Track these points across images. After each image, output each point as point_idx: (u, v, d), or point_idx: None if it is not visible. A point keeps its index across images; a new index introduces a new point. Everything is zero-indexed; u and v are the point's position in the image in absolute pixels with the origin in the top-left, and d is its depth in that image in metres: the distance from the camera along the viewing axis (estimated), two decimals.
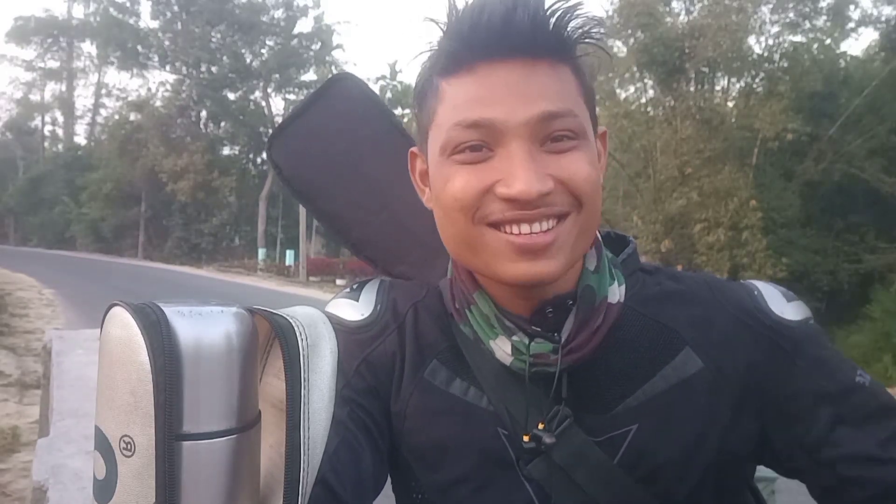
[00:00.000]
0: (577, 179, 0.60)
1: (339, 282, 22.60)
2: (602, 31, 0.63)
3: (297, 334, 0.44)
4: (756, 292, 0.70)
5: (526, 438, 0.64)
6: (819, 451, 0.65)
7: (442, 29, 0.63)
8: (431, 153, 0.65)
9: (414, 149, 0.71)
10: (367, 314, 0.72)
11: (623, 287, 0.68)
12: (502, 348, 0.65)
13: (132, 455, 0.38)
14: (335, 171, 0.81)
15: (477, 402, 0.67)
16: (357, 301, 0.73)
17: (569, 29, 0.61)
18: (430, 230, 0.78)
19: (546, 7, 0.59)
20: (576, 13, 0.60)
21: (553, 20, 0.59)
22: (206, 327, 0.40)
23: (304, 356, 0.44)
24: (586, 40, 0.62)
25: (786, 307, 0.69)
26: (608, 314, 0.66)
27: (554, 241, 0.60)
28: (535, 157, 0.59)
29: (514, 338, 0.65)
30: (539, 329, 0.65)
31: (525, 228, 0.60)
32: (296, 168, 0.82)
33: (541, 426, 0.64)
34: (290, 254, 26.99)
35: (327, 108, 0.82)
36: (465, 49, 0.60)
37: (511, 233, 0.60)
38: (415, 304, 0.73)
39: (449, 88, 0.62)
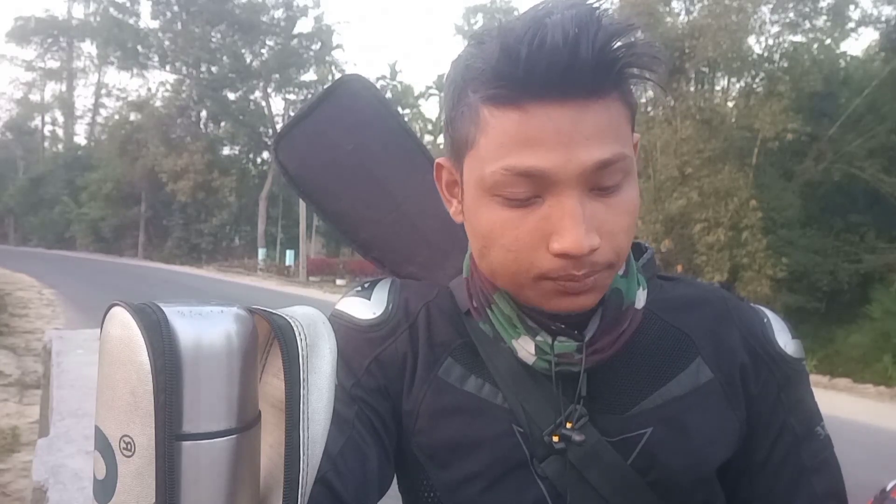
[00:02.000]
0: (619, 235, 0.59)
1: (339, 282, 22.60)
2: (660, 61, 0.57)
3: (297, 334, 0.44)
4: (766, 320, 0.72)
5: (555, 439, 0.64)
6: (765, 485, 0.69)
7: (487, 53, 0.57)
8: (468, 180, 0.62)
9: (440, 160, 0.68)
10: (378, 313, 0.71)
11: (646, 292, 0.69)
12: (525, 348, 0.65)
13: (132, 455, 0.38)
14: (344, 171, 0.79)
15: (492, 398, 0.67)
16: (369, 300, 0.73)
17: (629, 67, 0.56)
18: (440, 232, 0.78)
19: (609, 42, 0.54)
20: (635, 49, 0.55)
21: (615, 56, 0.55)
22: (206, 327, 0.40)
23: (303, 356, 0.44)
24: (646, 77, 0.58)
25: (789, 342, 0.71)
26: (634, 318, 0.66)
27: (594, 284, 0.61)
28: (584, 205, 0.57)
29: (538, 338, 0.64)
30: (562, 326, 0.64)
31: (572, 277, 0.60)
32: (302, 168, 0.80)
33: (569, 425, 0.64)
34: (289, 254, 27.02)
35: (335, 109, 0.80)
36: (517, 90, 0.55)
37: (559, 282, 0.60)
38: (427, 304, 0.72)
39: (493, 120, 0.58)
